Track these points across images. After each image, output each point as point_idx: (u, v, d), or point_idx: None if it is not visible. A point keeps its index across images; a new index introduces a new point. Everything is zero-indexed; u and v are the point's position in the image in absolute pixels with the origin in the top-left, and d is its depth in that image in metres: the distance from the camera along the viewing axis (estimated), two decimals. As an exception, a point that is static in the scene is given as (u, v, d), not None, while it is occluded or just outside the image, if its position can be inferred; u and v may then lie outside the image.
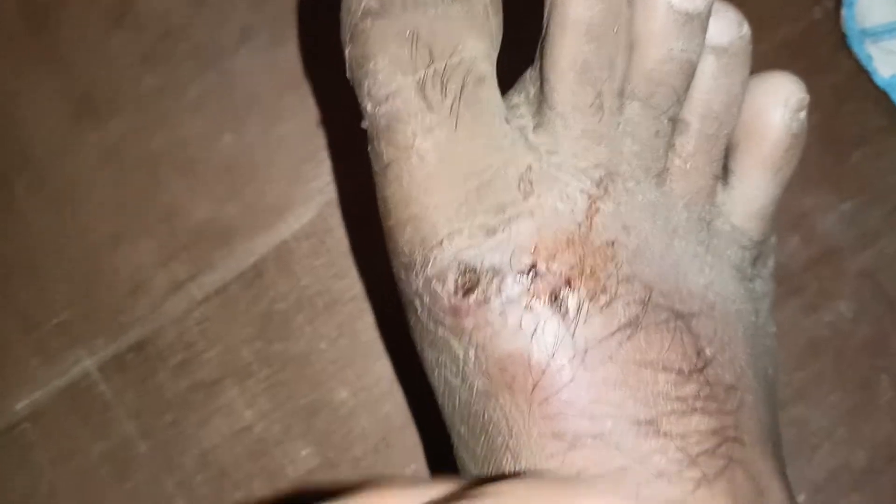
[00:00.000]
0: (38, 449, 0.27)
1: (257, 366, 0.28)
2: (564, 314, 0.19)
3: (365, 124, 0.21)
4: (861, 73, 0.30)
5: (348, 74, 0.21)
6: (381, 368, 0.29)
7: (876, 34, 0.30)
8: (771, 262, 0.26)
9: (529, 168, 0.20)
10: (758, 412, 0.21)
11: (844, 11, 0.30)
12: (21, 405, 0.28)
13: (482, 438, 0.20)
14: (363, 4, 0.21)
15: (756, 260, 0.24)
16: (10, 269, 0.28)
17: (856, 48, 0.30)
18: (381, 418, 0.28)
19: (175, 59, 0.29)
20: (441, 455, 0.28)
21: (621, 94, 0.21)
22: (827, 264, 0.30)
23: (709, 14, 0.21)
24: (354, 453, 0.28)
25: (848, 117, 0.30)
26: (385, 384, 0.29)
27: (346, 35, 0.21)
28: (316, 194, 0.29)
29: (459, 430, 0.21)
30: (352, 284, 0.29)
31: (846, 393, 0.29)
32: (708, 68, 0.22)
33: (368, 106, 0.20)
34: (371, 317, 0.29)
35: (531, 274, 0.19)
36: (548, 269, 0.19)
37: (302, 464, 0.28)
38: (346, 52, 0.21)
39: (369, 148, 0.21)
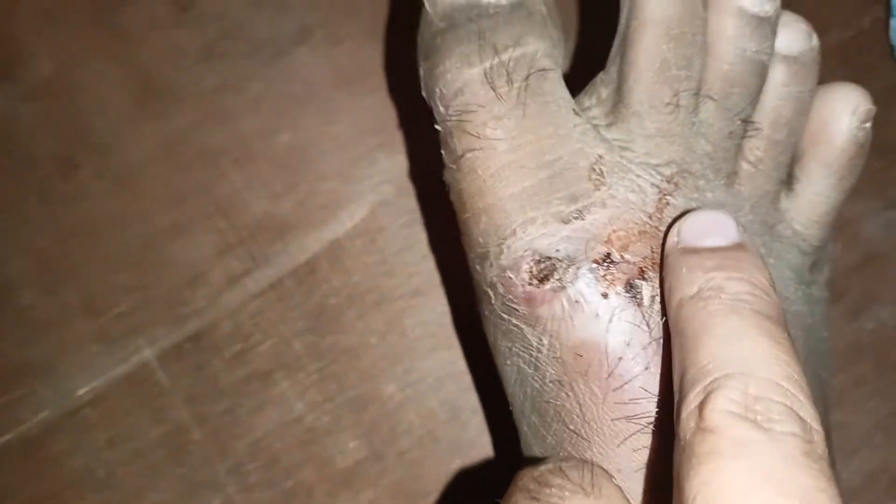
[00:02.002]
0: (97, 432, 0.28)
1: (309, 358, 0.29)
2: (639, 303, 0.19)
3: (438, 127, 0.21)
4: (908, 83, 0.31)
5: (423, 92, 0.22)
6: (429, 365, 0.29)
7: (922, 46, 0.31)
8: (827, 270, 0.26)
9: (600, 158, 0.21)
10: None
11: (892, 22, 0.31)
12: (83, 391, 0.28)
13: (553, 426, 0.21)
14: (433, 27, 0.22)
15: (814, 266, 0.25)
16: (76, 256, 0.29)
17: (903, 58, 0.31)
18: (427, 413, 0.29)
19: (235, 56, 0.30)
20: (486, 451, 0.29)
21: (697, 93, 0.21)
22: (870, 270, 0.30)
23: (777, 17, 0.22)
24: (400, 446, 0.29)
25: (894, 125, 0.31)
26: (431, 380, 0.29)
27: (421, 56, 0.22)
28: (368, 193, 0.30)
29: (531, 419, 0.22)
30: (401, 282, 0.29)
31: (885, 398, 0.30)
32: (779, 76, 0.23)
33: (441, 107, 0.21)
34: (419, 314, 0.29)
35: (606, 263, 0.20)
36: (622, 258, 0.20)
37: (350, 455, 0.28)
38: (421, 70, 0.22)
39: (442, 150, 0.22)
